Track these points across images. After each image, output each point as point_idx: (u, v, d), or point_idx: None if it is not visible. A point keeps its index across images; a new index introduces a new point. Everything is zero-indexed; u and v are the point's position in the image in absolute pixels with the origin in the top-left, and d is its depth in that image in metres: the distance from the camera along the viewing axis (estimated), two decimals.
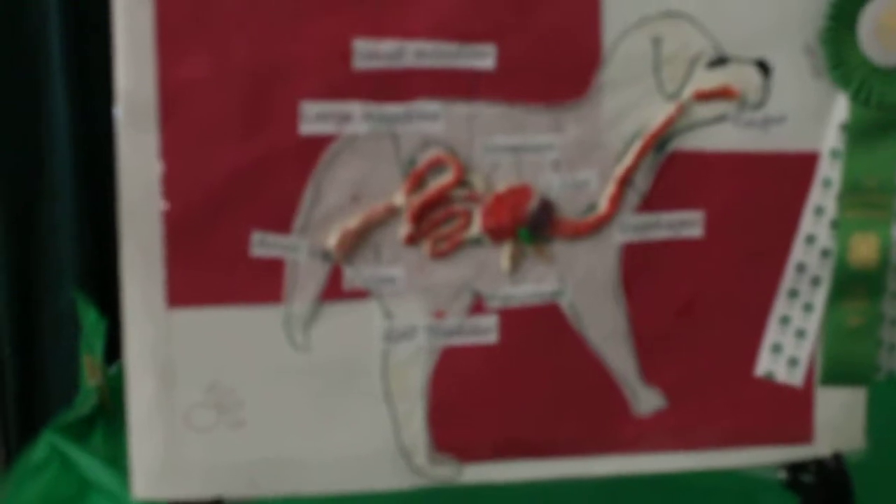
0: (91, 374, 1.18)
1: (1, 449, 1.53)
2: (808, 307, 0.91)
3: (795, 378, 0.92)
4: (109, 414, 1.13)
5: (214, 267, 0.84)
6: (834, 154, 0.89)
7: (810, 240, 0.90)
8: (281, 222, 0.84)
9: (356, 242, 0.85)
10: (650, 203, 0.88)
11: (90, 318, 1.17)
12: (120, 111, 0.82)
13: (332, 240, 0.85)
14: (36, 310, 1.44)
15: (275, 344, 0.85)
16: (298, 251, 0.85)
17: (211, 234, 0.83)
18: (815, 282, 0.90)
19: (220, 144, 0.82)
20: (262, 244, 0.84)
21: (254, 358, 0.85)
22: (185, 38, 0.81)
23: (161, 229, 0.83)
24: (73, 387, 1.23)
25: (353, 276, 0.86)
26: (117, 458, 1.04)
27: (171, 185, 0.82)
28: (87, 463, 1.07)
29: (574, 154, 0.86)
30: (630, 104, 0.86)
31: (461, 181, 0.85)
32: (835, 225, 0.89)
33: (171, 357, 0.84)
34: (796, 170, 0.89)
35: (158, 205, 0.82)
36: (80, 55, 1.35)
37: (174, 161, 0.82)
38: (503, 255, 0.87)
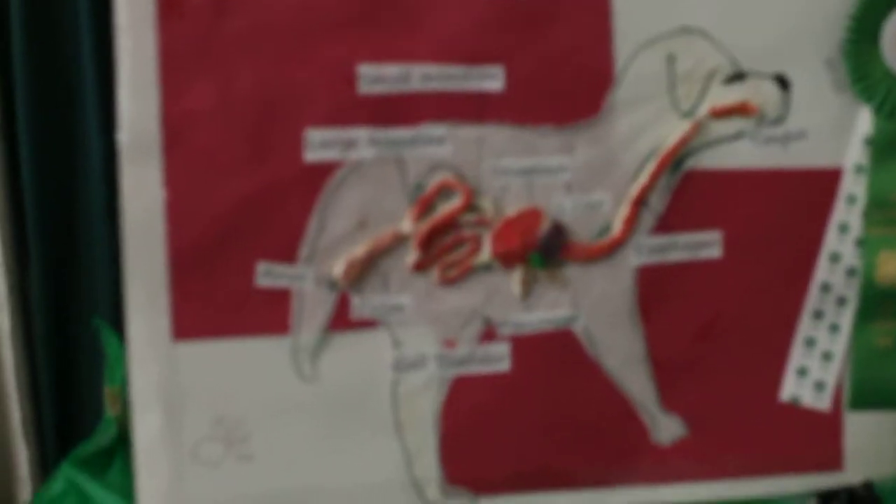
0: (111, 404, 1.17)
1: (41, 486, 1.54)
2: (834, 328, 0.89)
3: (822, 402, 0.90)
4: (129, 445, 1.13)
5: (220, 298, 0.83)
6: (858, 169, 0.87)
7: (835, 258, 0.88)
8: (286, 252, 0.83)
9: (363, 271, 0.84)
10: (666, 224, 0.86)
11: (112, 347, 1.17)
12: (122, 141, 0.81)
13: (338, 268, 0.84)
14: (73, 346, 1.46)
15: (282, 375, 0.84)
16: (304, 280, 0.84)
17: (216, 266, 0.83)
18: (841, 302, 0.88)
19: (224, 174, 0.82)
20: (268, 274, 0.83)
21: (261, 390, 0.85)
22: (188, 67, 0.81)
23: (165, 261, 0.82)
24: None
25: (361, 304, 0.85)
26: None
27: (175, 215, 0.82)
28: (104, 498, 1.06)
29: (586, 175, 0.85)
30: (644, 123, 0.85)
31: (470, 206, 0.84)
32: (860, 243, 0.88)
33: (177, 390, 0.84)
34: (818, 186, 0.87)
35: (162, 236, 0.82)
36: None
37: (178, 191, 0.82)
38: (514, 280, 0.86)
